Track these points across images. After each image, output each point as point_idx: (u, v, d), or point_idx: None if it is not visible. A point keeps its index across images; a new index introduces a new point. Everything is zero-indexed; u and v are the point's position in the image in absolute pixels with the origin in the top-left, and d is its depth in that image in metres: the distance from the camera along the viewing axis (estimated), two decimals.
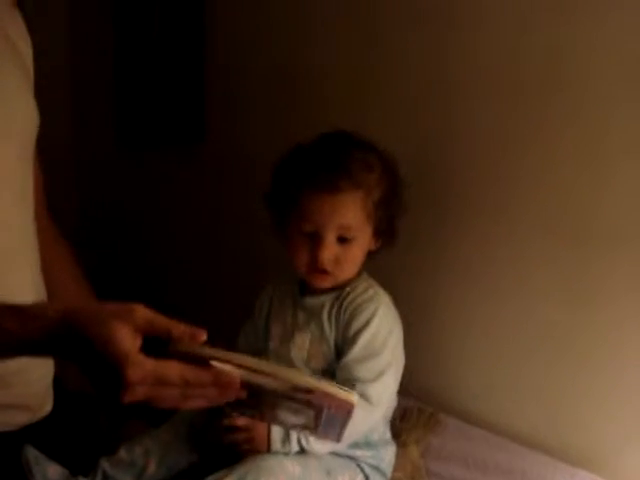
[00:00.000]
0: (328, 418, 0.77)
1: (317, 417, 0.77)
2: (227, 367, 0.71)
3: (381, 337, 1.06)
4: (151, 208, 2.05)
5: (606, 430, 1.21)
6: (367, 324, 1.06)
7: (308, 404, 0.75)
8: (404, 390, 1.15)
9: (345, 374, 1.05)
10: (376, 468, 1.11)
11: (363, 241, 1.07)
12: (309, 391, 0.73)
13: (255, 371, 0.72)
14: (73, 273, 1.16)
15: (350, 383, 1.03)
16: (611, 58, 1.14)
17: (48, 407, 1.08)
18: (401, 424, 1.29)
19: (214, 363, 0.71)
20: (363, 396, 1.03)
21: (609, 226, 1.17)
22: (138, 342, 0.71)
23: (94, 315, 0.72)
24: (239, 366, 0.72)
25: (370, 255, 1.12)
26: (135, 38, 1.98)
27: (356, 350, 1.05)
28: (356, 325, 1.06)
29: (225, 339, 0.92)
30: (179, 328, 0.73)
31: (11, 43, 1.04)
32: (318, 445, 1.03)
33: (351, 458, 1.09)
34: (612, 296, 1.18)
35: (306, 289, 1.13)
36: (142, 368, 0.69)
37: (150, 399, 0.71)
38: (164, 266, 2.00)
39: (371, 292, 1.09)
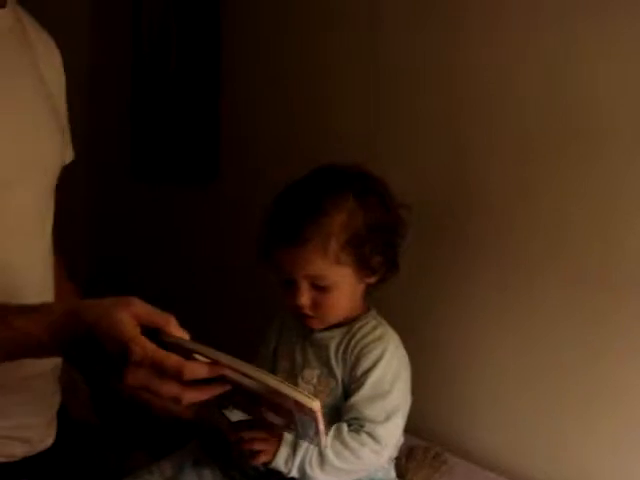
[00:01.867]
0: (301, 421, 0.80)
1: (292, 419, 0.80)
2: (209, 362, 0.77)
3: (389, 378, 1.05)
4: (164, 243, 2.07)
5: (617, 476, 1.18)
6: (375, 365, 1.05)
7: (280, 406, 0.79)
8: (410, 428, 1.13)
9: (354, 414, 1.04)
10: None
11: (343, 284, 1.06)
12: (277, 392, 0.76)
13: (234, 369, 0.76)
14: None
15: (359, 423, 1.03)
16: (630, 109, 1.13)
17: (49, 440, 1.08)
18: (407, 463, 1.26)
19: (198, 357, 0.76)
20: (372, 436, 1.02)
21: (629, 275, 1.15)
22: (138, 328, 0.76)
23: (96, 306, 0.79)
24: (220, 363, 0.76)
25: (374, 287, 1.10)
26: (152, 76, 2.03)
27: (364, 390, 1.04)
28: (364, 365, 1.05)
29: None
30: (172, 321, 0.78)
31: (43, 81, 1.07)
32: (320, 475, 1.02)
33: None
34: (633, 344, 1.15)
35: None
36: (144, 348, 0.74)
37: (148, 387, 0.75)
38: (175, 300, 1.99)
39: (380, 331, 1.09)
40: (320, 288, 1.05)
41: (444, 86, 1.36)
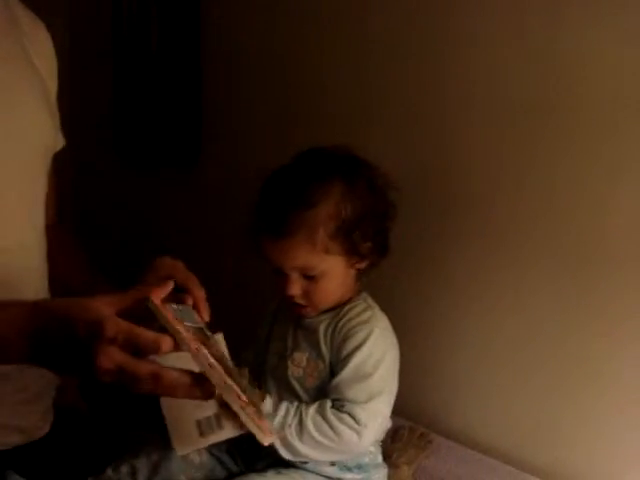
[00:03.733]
0: None
1: None
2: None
3: (372, 361, 1.05)
4: (148, 228, 2.06)
5: (604, 454, 1.21)
6: (359, 347, 1.05)
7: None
8: (396, 409, 1.13)
9: (336, 394, 1.05)
10: None
11: (333, 272, 1.05)
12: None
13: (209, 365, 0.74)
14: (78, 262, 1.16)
15: (340, 403, 1.03)
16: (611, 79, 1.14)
17: (45, 430, 1.08)
18: (392, 444, 1.28)
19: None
20: (352, 415, 1.02)
21: (611, 250, 1.17)
22: (113, 310, 0.73)
23: (67, 299, 0.76)
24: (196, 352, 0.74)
25: (365, 271, 1.10)
26: (133, 59, 2.01)
27: (347, 371, 1.04)
28: (349, 347, 1.05)
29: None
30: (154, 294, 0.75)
31: (31, 63, 1.06)
32: (299, 445, 1.02)
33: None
34: (613, 321, 1.18)
35: None
36: (117, 323, 0.70)
37: (124, 367, 0.71)
38: None
39: (368, 314, 1.08)
40: (310, 278, 1.04)
41: (434, 68, 1.36)
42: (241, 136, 1.75)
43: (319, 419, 1.02)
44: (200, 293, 0.86)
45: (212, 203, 1.84)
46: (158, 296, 0.76)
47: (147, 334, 0.71)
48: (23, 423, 1.04)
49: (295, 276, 1.04)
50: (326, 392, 1.07)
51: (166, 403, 0.85)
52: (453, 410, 1.38)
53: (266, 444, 0.79)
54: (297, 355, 1.10)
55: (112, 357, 0.70)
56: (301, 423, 1.01)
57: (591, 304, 1.20)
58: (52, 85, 1.13)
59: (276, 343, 1.14)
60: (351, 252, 1.05)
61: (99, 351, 0.70)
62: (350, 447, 1.04)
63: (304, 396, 1.08)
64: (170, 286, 0.80)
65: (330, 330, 1.08)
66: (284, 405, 1.03)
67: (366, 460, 1.10)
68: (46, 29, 1.13)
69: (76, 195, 2.24)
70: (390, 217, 1.09)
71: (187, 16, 1.84)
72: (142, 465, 1.07)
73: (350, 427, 1.01)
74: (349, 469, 1.09)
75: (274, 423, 1.01)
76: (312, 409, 1.03)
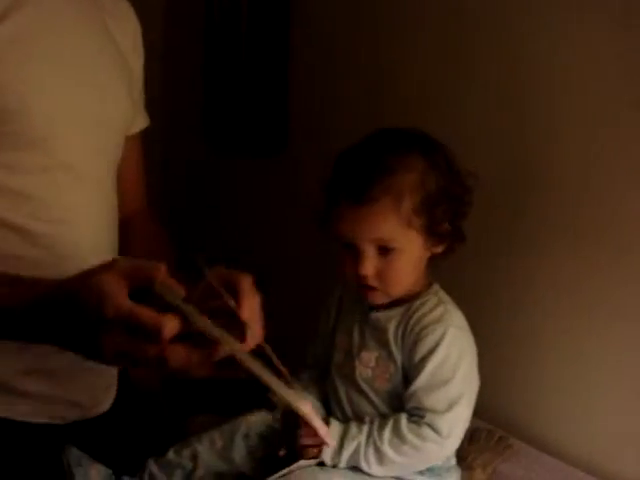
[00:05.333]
0: None
1: None
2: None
3: (450, 364, 0.98)
4: (233, 216, 2.07)
5: None
6: (434, 349, 0.98)
7: None
8: (475, 411, 1.08)
9: (413, 403, 0.99)
10: None
11: (411, 250, 0.99)
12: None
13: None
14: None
15: (419, 414, 0.98)
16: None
17: (105, 406, 1.09)
18: (469, 446, 1.23)
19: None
20: (433, 428, 0.97)
21: None
22: (124, 285, 0.70)
23: (80, 275, 0.74)
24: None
25: (438, 260, 1.04)
26: (223, 43, 2.03)
27: (423, 378, 0.98)
28: (422, 350, 0.99)
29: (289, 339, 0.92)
30: (161, 269, 0.71)
31: (114, 43, 1.08)
32: (379, 469, 0.99)
33: None
34: None
35: None
36: (118, 303, 0.68)
37: (129, 350, 0.69)
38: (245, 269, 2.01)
39: (440, 310, 1.02)
40: (386, 253, 0.97)
41: (511, 58, 1.30)
42: (328, 124, 1.72)
43: (397, 442, 0.97)
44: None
45: (299, 192, 1.84)
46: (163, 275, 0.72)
47: (148, 314, 0.68)
48: (81, 397, 1.05)
49: (370, 252, 0.97)
50: (399, 396, 1.02)
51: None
52: (535, 415, 1.32)
53: (305, 411, 0.75)
54: (365, 355, 1.04)
55: (114, 339, 0.69)
56: (378, 451, 0.97)
57: None
58: (135, 63, 1.14)
59: (342, 337, 1.09)
60: (430, 231, 0.99)
61: (101, 332, 0.69)
62: (433, 459, 1.01)
63: (375, 399, 1.03)
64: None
65: (401, 330, 1.02)
66: (351, 436, 0.98)
67: (439, 463, 1.04)
68: (130, 7, 1.14)
69: (164, 179, 2.29)
70: (467, 202, 1.03)
71: (276, 2, 1.83)
72: (205, 451, 1.05)
73: (432, 441, 0.97)
74: (420, 472, 1.03)
75: (342, 460, 0.97)
76: (387, 432, 0.97)
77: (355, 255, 0.99)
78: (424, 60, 1.47)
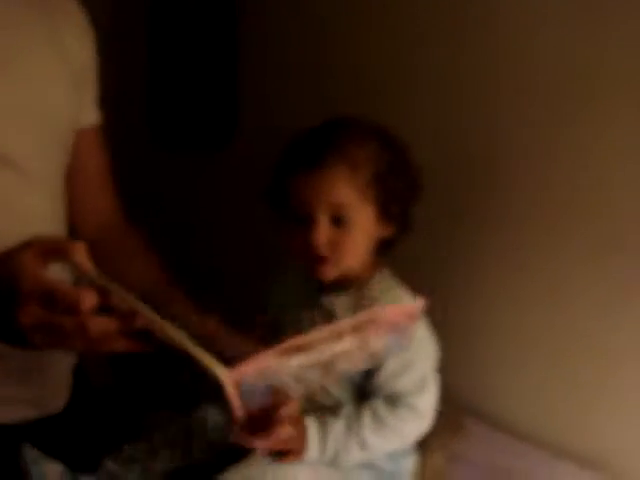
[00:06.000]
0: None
1: None
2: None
3: (413, 343, 0.97)
4: (178, 207, 2.05)
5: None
6: None
7: None
8: None
9: (385, 391, 0.99)
10: (396, 476, 1.06)
11: (363, 223, 0.98)
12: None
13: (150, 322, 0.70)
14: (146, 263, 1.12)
15: (393, 398, 0.98)
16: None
17: (59, 404, 1.08)
18: None
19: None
20: (411, 408, 0.98)
21: None
22: (41, 261, 0.71)
23: (3, 254, 0.73)
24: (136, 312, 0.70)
25: (386, 245, 1.04)
26: (168, 38, 1.99)
27: (388, 366, 0.98)
28: None
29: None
30: (79, 248, 0.72)
31: (60, 38, 1.04)
32: (360, 454, 0.99)
33: (369, 466, 1.04)
34: None
35: (323, 286, 1.05)
36: (35, 278, 0.69)
37: (46, 322, 0.69)
38: (193, 267, 1.99)
39: (391, 294, 1.01)
40: (339, 225, 0.97)
41: (456, 53, 1.32)
42: (277, 118, 1.71)
43: (378, 427, 0.97)
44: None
45: (245, 184, 1.83)
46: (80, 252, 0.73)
47: (66, 287, 0.68)
48: (36, 396, 1.03)
49: (325, 221, 0.97)
50: (355, 382, 1.01)
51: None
52: (485, 394, 1.34)
53: (224, 381, 0.71)
54: None
55: (31, 312, 0.69)
56: (360, 440, 0.97)
57: (628, 291, 1.15)
58: (83, 57, 1.10)
59: (290, 326, 1.06)
60: (382, 208, 0.99)
61: (18, 307, 0.69)
62: (414, 439, 1.02)
63: (334, 389, 1.02)
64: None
65: (352, 313, 0.97)
66: (332, 435, 0.96)
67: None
68: (78, 4, 1.11)
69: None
70: (416, 194, 1.04)
71: None
72: (162, 445, 1.04)
73: (412, 421, 0.98)
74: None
75: (326, 458, 0.96)
76: (367, 420, 0.97)
77: (308, 229, 0.98)
78: (368, 56, 1.48)
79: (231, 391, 0.69)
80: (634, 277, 1.13)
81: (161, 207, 2.10)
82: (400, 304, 0.71)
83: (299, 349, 0.72)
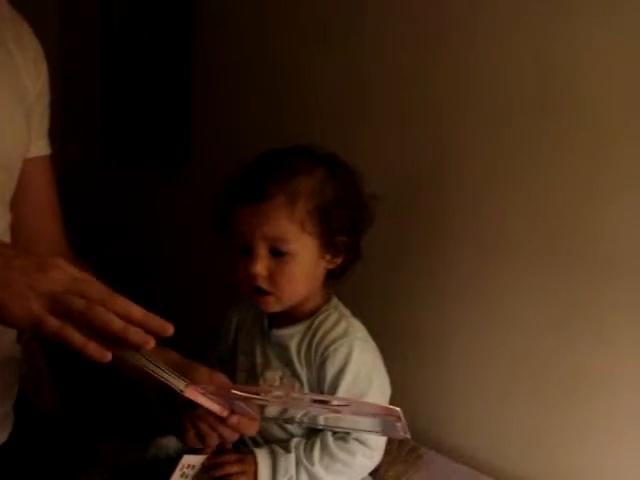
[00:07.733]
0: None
1: None
2: None
3: (363, 377, 0.98)
4: (135, 227, 2.02)
5: (595, 470, 1.15)
6: (345, 367, 0.97)
7: None
8: None
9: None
10: None
11: (304, 256, 0.97)
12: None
13: None
14: None
15: (346, 432, 0.97)
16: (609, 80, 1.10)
17: (3, 437, 1.03)
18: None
19: None
20: (360, 441, 0.97)
21: (611, 257, 1.11)
22: None
23: None
24: None
25: (337, 274, 1.03)
26: (123, 54, 1.97)
27: (340, 395, 0.97)
28: (333, 369, 0.98)
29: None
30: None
31: (14, 65, 1.00)
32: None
33: None
34: (613, 331, 1.12)
35: (274, 319, 1.04)
36: (64, 267, 0.70)
37: (61, 303, 0.68)
38: (142, 284, 1.95)
39: (343, 326, 1.00)
40: (279, 255, 0.96)
41: (427, 67, 1.31)
42: (230, 136, 1.70)
43: (327, 461, 0.96)
44: None
45: (200, 202, 1.80)
46: None
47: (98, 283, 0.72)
48: None
49: (263, 251, 0.96)
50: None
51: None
52: (444, 425, 1.33)
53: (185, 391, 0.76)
54: (269, 374, 1.02)
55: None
56: (310, 474, 0.96)
57: (590, 314, 1.14)
58: (35, 86, 1.05)
59: (242, 358, 1.06)
60: (325, 240, 0.98)
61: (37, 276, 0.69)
62: (364, 472, 1.01)
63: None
64: None
65: (304, 347, 1.00)
66: (282, 468, 0.96)
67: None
68: (31, 29, 1.07)
69: (63, 194, 2.20)
70: (367, 223, 1.03)
71: (178, 15, 1.79)
72: (115, 475, 1.03)
73: (362, 454, 0.97)
74: None
75: None
76: (317, 453, 0.96)
77: (249, 259, 0.97)
78: (319, 81, 1.48)
79: (201, 399, 0.75)
80: (605, 299, 1.13)
81: (115, 222, 2.08)
82: (378, 404, 0.76)
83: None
